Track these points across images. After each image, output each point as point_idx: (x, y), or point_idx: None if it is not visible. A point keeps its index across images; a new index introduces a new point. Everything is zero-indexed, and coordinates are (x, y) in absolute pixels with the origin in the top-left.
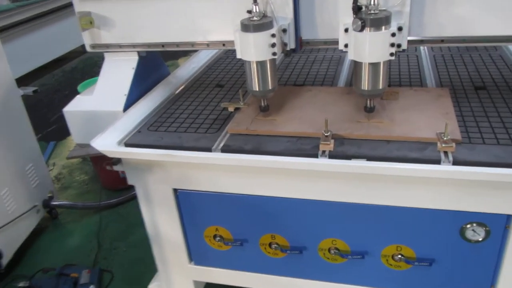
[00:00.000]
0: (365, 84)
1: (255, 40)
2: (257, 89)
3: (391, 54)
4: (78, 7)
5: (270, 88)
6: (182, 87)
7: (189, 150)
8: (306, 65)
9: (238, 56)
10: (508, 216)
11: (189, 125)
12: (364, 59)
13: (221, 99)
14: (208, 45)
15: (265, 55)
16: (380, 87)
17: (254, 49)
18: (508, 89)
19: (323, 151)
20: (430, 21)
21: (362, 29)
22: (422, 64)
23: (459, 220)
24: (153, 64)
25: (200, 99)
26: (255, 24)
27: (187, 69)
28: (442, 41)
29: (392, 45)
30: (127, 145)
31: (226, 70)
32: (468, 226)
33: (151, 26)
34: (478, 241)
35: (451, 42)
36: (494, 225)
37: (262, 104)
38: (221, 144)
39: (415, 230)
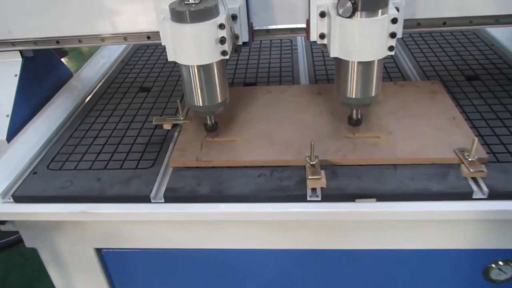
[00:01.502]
0: (353, 91)
1: (196, 34)
2: (201, 104)
3: (391, 49)
4: None
5: (219, 101)
6: (92, 94)
7: (115, 201)
8: (252, 56)
9: (171, 58)
10: None
11: (111, 156)
12: (353, 56)
13: (150, 111)
14: (126, 38)
15: (211, 56)
16: (373, 93)
17: (194, 49)
18: (503, 76)
19: (313, 189)
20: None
21: (353, 13)
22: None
23: (483, 259)
24: (47, 66)
25: (121, 112)
26: (194, 10)
27: (95, 66)
28: (444, 23)
29: (393, 35)
30: (17, 199)
31: (149, 64)
32: (493, 265)
33: (36, 13)
34: (503, 281)
35: (453, 25)
36: None
37: (209, 122)
38: (163, 188)
39: (429, 274)
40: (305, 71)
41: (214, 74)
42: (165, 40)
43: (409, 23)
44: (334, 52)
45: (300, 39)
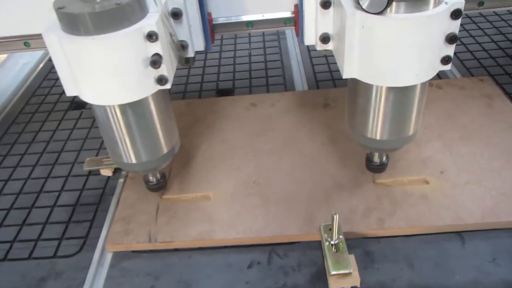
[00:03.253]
0: (378, 130)
1: (107, 54)
2: (133, 161)
3: (445, 61)
4: None
5: (164, 152)
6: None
7: None
8: (226, 50)
9: (70, 92)
10: None
11: (16, 234)
12: (384, 79)
13: (84, 142)
14: (28, 44)
15: (140, 88)
16: (410, 132)
17: (108, 79)
18: None
19: None
20: None
21: (387, 5)
22: None
23: None
24: None
25: (40, 146)
26: (100, 11)
27: (9, 72)
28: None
29: (452, 39)
30: None
31: None
32: None
33: None
34: None
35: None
36: None
37: (152, 179)
38: None
39: None
40: (300, 70)
41: (151, 115)
42: (57, 63)
43: (469, 5)
44: (349, 71)
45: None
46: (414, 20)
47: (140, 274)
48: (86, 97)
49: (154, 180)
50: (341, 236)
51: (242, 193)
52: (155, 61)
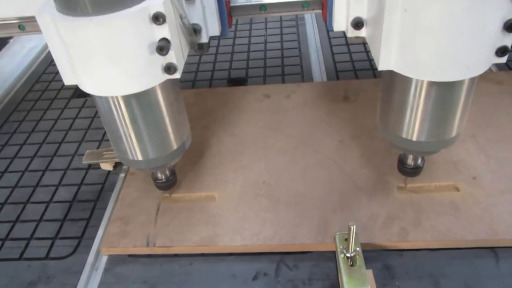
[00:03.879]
0: (415, 130)
1: (108, 38)
2: (140, 158)
3: (502, 52)
4: None
5: (173, 148)
6: (2, 104)
7: None
8: (240, 37)
9: (69, 80)
10: None
11: (8, 231)
12: (428, 72)
13: (86, 133)
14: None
15: (146, 76)
16: (453, 133)
17: (109, 66)
18: None
19: None
20: None
21: None
22: None
23: None
24: None
25: (40, 136)
26: None
27: (14, 57)
28: None
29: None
30: None
31: None
32: None
33: None
34: None
35: None
36: None
37: (160, 176)
38: None
39: None
40: (320, 58)
41: (159, 107)
42: (53, 47)
43: None
44: (386, 62)
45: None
46: (467, 1)
47: (136, 281)
48: (86, 87)
49: (163, 177)
50: (358, 249)
51: (250, 194)
52: (162, 46)
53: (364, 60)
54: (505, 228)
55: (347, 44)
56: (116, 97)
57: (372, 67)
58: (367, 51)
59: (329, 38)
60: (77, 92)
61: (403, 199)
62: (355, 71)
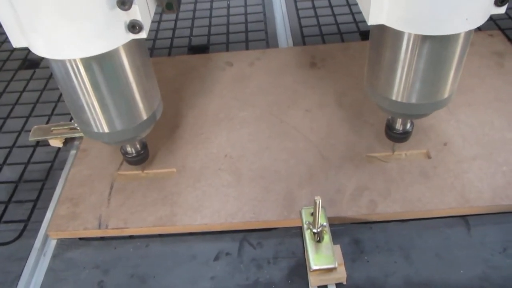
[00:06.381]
0: (406, 91)
1: None
2: (105, 130)
3: (501, 1)
4: None
5: (144, 118)
6: None
7: None
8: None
9: (17, 43)
10: None
11: None
12: (425, 26)
13: (34, 107)
14: None
15: (108, 36)
16: (446, 94)
17: (63, 22)
18: None
19: None
20: None
21: None
22: None
23: None
24: None
25: None
26: None
27: None
28: None
29: None
30: None
31: None
32: None
33: None
34: None
35: None
36: None
37: (130, 150)
38: None
39: None
40: (285, 24)
41: (124, 72)
42: None
43: None
44: (377, 15)
45: None
46: None
47: (87, 266)
48: (37, 49)
49: (133, 151)
50: (324, 224)
51: (211, 169)
52: (124, 0)
53: (332, 24)
54: (476, 196)
55: (314, 7)
56: (74, 61)
57: (340, 31)
58: (334, 15)
59: (295, 1)
60: (26, 63)
61: (372, 169)
62: (322, 35)
